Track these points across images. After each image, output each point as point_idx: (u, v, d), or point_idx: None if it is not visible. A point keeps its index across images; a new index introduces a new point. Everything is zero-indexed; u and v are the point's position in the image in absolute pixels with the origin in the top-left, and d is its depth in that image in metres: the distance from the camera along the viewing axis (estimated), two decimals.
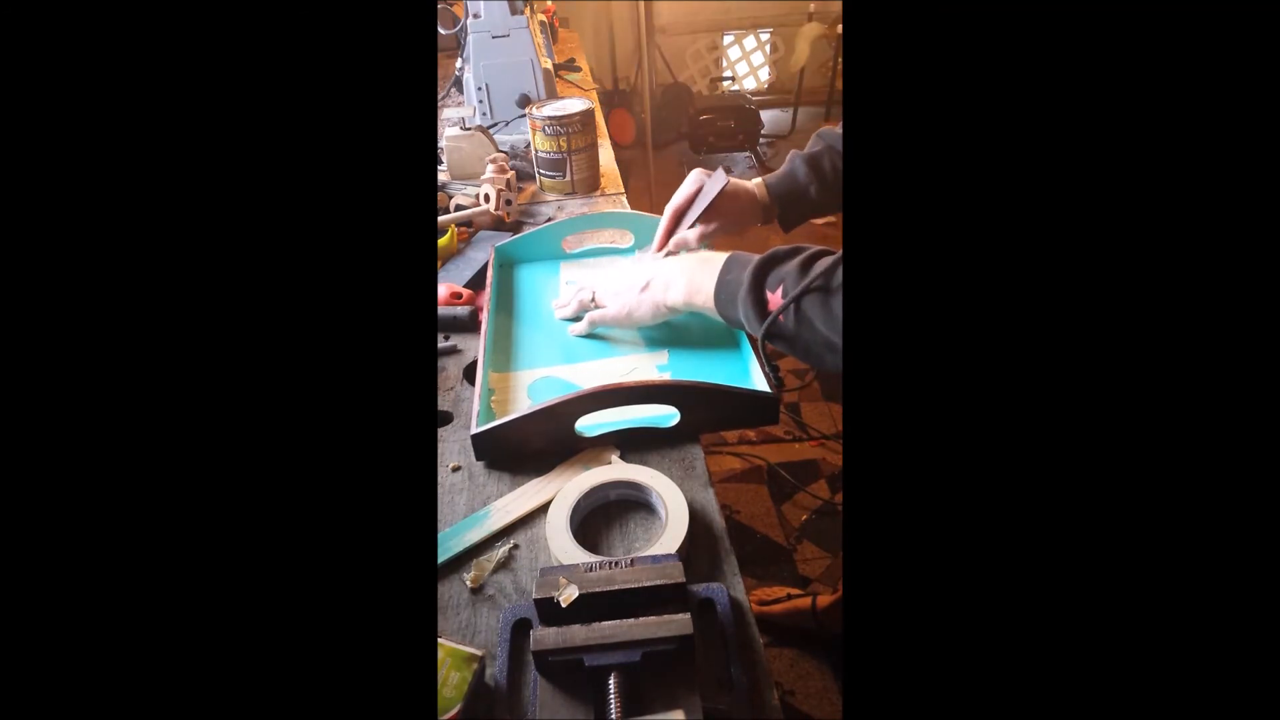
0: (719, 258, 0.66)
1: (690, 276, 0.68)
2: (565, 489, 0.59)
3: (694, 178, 0.80)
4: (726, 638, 0.48)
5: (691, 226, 0.79)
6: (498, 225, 1.04)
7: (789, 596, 1.34)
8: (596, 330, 0.78)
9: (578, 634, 0.45)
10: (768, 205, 0.84)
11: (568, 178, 1.13)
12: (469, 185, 1.13)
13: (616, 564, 0.48)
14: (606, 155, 1.24)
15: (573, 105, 1.09)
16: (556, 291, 0.88)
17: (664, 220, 0.81)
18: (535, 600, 0.46)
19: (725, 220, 0.81)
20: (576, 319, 0.80)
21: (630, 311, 0.74)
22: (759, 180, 0.85)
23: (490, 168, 1.07)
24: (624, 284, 0.75)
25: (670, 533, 0.55)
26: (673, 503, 0.57)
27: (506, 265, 0.93)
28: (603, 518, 0.59)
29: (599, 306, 0.77)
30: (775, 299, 0.60)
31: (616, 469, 0.61)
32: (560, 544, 0.54)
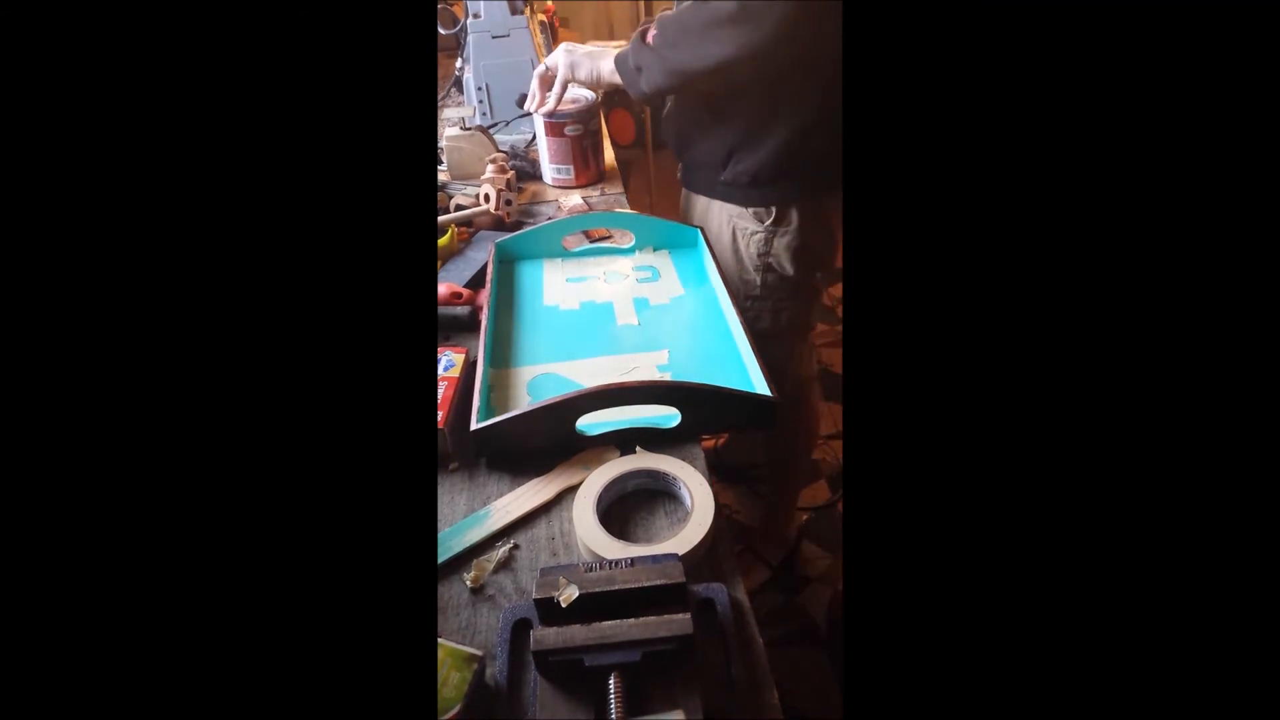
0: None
1: (606, 57, 0.95)
2: (590, 476, 0.60)
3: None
4: (726, 638, 0.48)
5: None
6: (498, 225, 1.04)
7: None
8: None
9: (578, 634, 0.45)
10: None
11: (573, 171, 1.13)
12: (469, 185, 1.13)
13: (616, 564, 0.48)
14: (607, 155, 1.24)
15: (578, 95, 1.10)
16: (556, 288, 0.88)
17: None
18: (535, 600, 0.46)
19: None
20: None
21: (573, 65, 0.97)
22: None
23: (490, 168, 1.07)
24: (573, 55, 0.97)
25: (696, 521, 0.55)
26: (698, 493, 0.58)
27: (507, 261, 0.93)
28: (628, 506, 0.60)
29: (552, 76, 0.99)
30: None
31: (641, 459, 0.62)
32: (588, 530, 0.55)
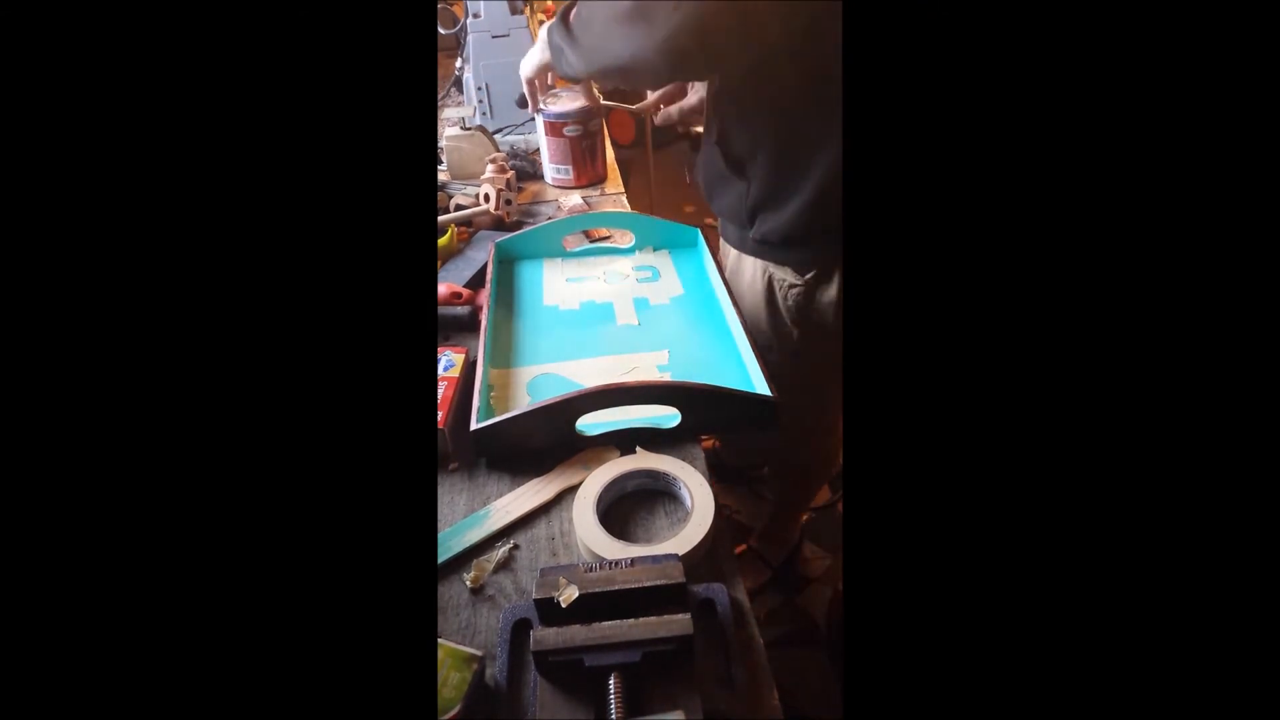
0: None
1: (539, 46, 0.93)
2: (590, 476, 0.60)
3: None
4: (727, 638, 0.48)
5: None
6: (498, 225, 1.04)
7: None
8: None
9: (578, 634, 0.45)
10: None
11: (573, 171, 1.13)
12: (469, 185, 1.13)
13: (616, 564, 0.48)
14: (607, 155, 1.25)
15: (579, 99, 1.10)
16: (556, 288, 0.88)
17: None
18: (535, 600, 0.46)
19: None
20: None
21: (524, 63, 0.97)
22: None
23: (490, 168, 1.07)
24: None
25: (696, 521, 0.56)
26: (698, 493, 0.58)
27: (506, 261, 0.94)
28: (628, 506, 0.60)
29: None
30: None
31: (641, 459, 0.62)
32: (588, 530, 0.55)
